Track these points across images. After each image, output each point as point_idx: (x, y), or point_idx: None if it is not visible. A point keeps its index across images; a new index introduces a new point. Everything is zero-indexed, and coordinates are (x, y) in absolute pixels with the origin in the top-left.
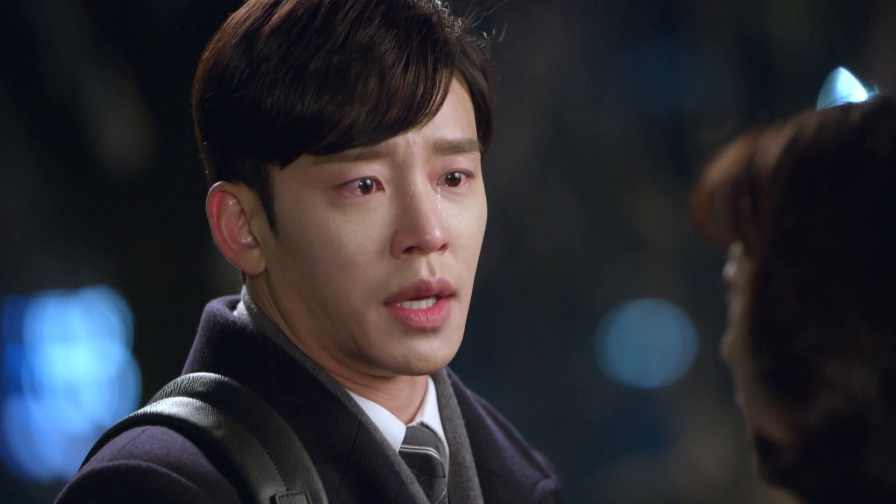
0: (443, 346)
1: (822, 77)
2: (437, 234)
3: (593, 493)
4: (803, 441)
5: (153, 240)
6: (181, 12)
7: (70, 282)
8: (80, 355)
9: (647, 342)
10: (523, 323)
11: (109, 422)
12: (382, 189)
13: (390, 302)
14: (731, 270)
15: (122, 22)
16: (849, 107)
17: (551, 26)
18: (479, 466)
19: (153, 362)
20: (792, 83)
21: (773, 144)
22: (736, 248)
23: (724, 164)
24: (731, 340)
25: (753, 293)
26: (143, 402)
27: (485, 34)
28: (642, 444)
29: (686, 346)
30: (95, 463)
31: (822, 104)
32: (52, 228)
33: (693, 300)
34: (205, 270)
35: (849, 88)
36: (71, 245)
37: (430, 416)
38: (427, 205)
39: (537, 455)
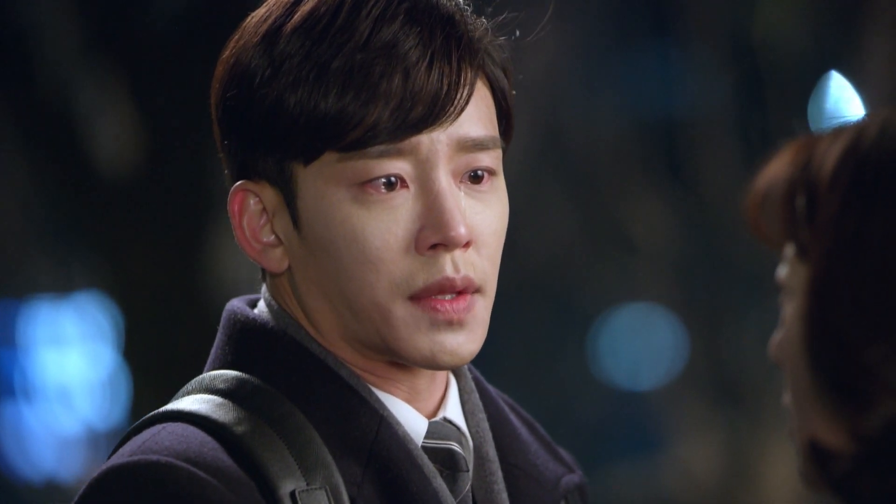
0: (468, 340)
1: (814, 80)
2: (461, 231)
3: None
4: (861, 448)
5: (145, 243)
6: (173, 16)
7: (62, 285)
8: (72, 358)
9: (639, 345)
10: (515, 325)
11: (101, 425)
12: (406, 186)
13: (415, 297)
14: (782, 272)
15: (114, 26)
16: None
17: (544, 29)
18: (502, 461)
19: (145, 365)
20: (784, 86)
21: (832, 148)
22: (788, 250)
23: (778, 166)
24: (782, 341)
25: (811, 298)
26: (135, 406)
27: (505, 34)
28: (634, 447)
29: (678, 350)
30: (115, 459)
31: (813, 107)
32: (44, 231)
33: (685, 303)
34: (196, 274)
35: (841, 91)
36: (63, 248)
37: (453, 410)
38: (451, 202)
39: (562, 451)
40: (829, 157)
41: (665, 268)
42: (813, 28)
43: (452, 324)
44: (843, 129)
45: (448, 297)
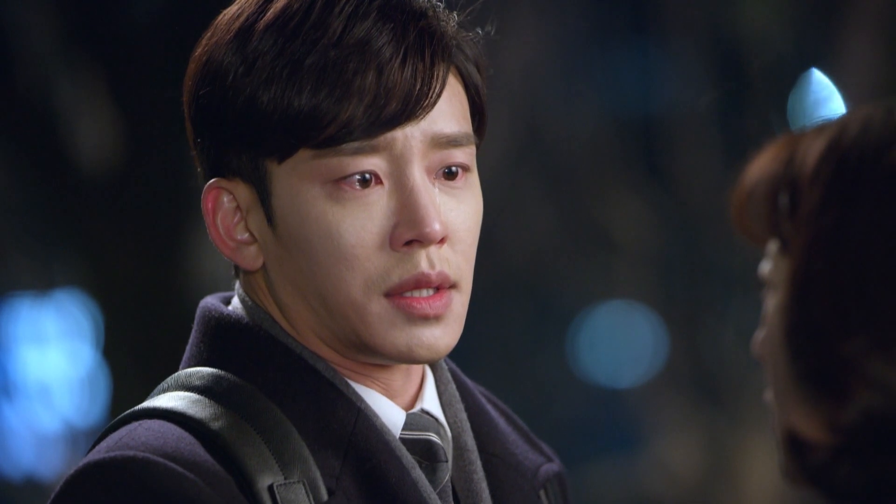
0: (445, 334)
1: (794, 77)
2: (436, 227)
3: None
4: (839, 439)
5: (125, 241)
6: (152, 14)
7: (42, 283)
8: (52, 356)
9: (619, 343)
10: (495, 323)
11: (81, 422)
12: (381, 183)
13: (391, 294)
14: (766, 268)
15: (94, 24)
16: (893, 107)
17: (524, 27)
18: (481, 451)
19: (124, 363)
20: (764, 84)
21: (814, 144)
22: (772, 246)
23: (762, 162)
24: (765, 337)
25: (792, 292)
26: (115, 404)
27: (479, 30)
28: (614, 445)
29: (657, 347)
30: (92, 455)
31: (793, 105)
32: (24, 230)
33: (664, 301)
34: (176, 272)
35: (821, 89)
36: (43, 246)
37: (430, 402)
38: (426, 198)
39: (540, 442)
40: (812, 152)
41: (644, 265)
42: (793, 25)
43: (429, 318)
44: (825, 126)
45: (425, 293)
